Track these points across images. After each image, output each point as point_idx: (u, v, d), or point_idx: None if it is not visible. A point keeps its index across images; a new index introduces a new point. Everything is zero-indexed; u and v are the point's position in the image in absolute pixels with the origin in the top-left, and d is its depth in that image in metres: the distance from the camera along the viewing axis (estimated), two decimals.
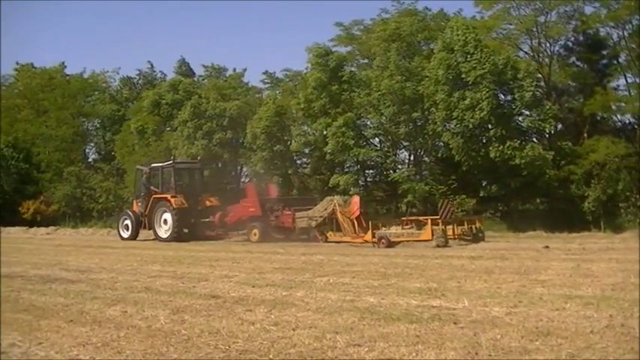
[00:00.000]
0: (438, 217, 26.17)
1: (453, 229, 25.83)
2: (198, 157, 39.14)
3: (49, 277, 16.94)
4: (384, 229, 26.63)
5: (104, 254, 24.59)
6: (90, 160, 59.13)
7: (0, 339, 9.64)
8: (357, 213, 27.90)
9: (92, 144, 61.14)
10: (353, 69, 40.14)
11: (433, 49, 34.75)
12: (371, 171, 38.79)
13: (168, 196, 33.51)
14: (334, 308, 11.14)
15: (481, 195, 33.05)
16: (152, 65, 60.79)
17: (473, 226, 26.82)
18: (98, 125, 59.94)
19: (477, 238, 26.11)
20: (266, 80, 48.74)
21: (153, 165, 36.11)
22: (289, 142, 39.02)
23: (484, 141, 32.01)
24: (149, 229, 34.53)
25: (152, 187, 34.79)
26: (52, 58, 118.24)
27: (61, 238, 38.15)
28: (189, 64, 54.50)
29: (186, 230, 33.60)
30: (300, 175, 40.99)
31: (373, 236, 25.75)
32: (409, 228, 26.41)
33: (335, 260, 19.82)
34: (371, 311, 10.75)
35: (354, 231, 27.51)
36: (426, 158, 37.29)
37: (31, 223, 48.89)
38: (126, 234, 35.26)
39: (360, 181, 37.30)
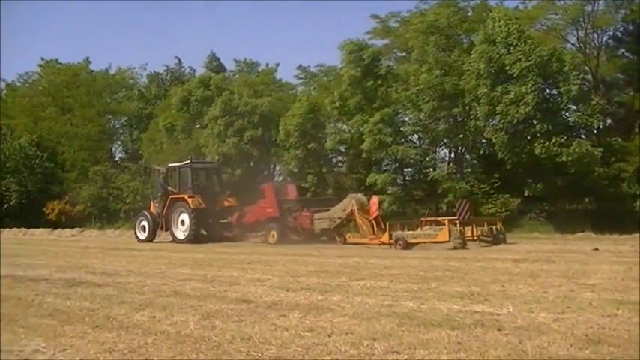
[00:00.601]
0: (455, 217, 26.50)
1: (472, 230, 26.10)
2: (217, 158, 39.89)
3: (75, 281, 17.00)
4: (407, 229, 27.12)
5: (131, 257, 24.72)
6: (116, 159, 59.74)
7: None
8: (376, 214, 28.23)
9: (118, 142, 61.80)
10: (390, 63, 40.03)
11: (473, 42, 34.54)
12: (409, 169, 38.69)
13: (186, 197, 33.99)
14: (372, 313, 11.07)
15: (525, 194, 32.77)
16: (180, 61, 61.27)
17: (493, 227, 26.88)
18: (125, 123, 60.55)
19: (497, 239, 26.16)
20: (300, 75, 48.92)
21: (169, 165, 36.73)
22: (324, 140, 39.03)
23: (529, 137, 31.74)
24: (166, 230, 35.07)
25: (169, 188, 35.30)
26: (78, 55, 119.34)
27: (87, 240, 38.49)
28: (220, 59, 54.69)
29: (204, 231, 34.15)
30: (336, 174, 40.97)
31: (390, 237, 26.19)
32: (427, 229, 26.73)
33: (372, 263, 19.74)
34: (410, 316, 10.67)
35: (372, 232, 27.80)
36: (467, 156, 37.14)
37: (56, 225, 49.41)
38: (143, 235, 35.77)
39: (397, 180, 37.25)
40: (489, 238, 26.03)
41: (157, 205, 35.77)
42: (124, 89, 61.98)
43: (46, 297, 14.32)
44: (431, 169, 36.46)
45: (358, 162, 38.65)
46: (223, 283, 15.62)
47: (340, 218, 29.19)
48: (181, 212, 34.14)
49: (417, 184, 37.95)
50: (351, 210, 28.71)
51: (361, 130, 36.44)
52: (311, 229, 30.24)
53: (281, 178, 44.04)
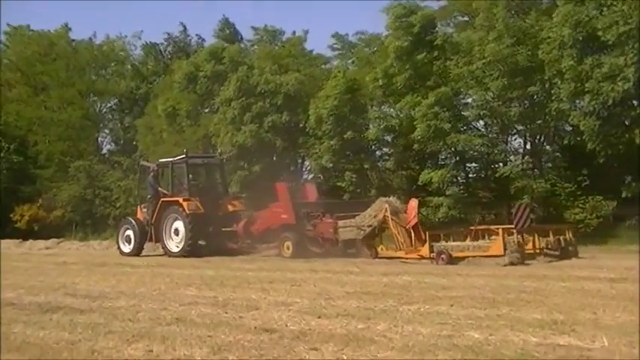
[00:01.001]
0: (512, 225, 26.61)
1: (534, 242, 26.13)
2: (219, 151, 40.12)
3: (50, 306, 17.09)
4: (453, 240, 27.26)
5: (123, 274, 24.88)
6: (104, 151, 60.21)
7: None
8: (415, 221, 28.27)
9: (107, 131, 62.26)
10: (448, 30, 39.96)
11: (555, 2, 34.29)
12: (474, 164, 38.62)
13: (180, 200, 34.24)
14: (426, 346, 11.04)
15: (623, 196, 32.47)
16: (185, 28, 61.53)
17: (561, 238, 26.86)
18: (115, 107, 60.86)
19: (566, 252, 26.25)
20: (335, 45, 48.97)
21: (161, 160, 37.03)
22: (365, 127, 39.01)
23: (627, 123, 31.46)
24: (156, 242, 35.49)
25: (160, 189, 35.62)
26: (54, 20, 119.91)
27: (67, 254, 38.75)
28: (235, 26, 54.69)
29: (203, 242, 34.44)
30: (381, 170, 40.96)
31: (431, 250, 26.40)
32: (477, 239, 26.86)
33: (426, 282, 19.71)
34: (475, 350, 10.63)
35: (410, 243, 28.02)
36: (548, 147, 36.96)
37: (27, 234, 49.60)
38: (127, 248, 36.18)
39: (458, 178, 37.17)
40: (556, 252, 26.11)
41: (145, 210, 36.14)
42: (113, 64, 62.33)
43: (13, 326, 14.39)
44: (500, 164, 36.28)
45: (408, 155, 38.63)
46: (239, 308, 15.66)
47: (370, 226, 29.33)
48: (175, 219, 34.42)
49: (482, 182, 37.89)
50: (384, 216, 28.85)
51: (412, 114, 36.37)
52: (334, 240, 30.47)
53: (311, 176, 44.12)
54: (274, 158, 44.79)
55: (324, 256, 29.79)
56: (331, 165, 39.38)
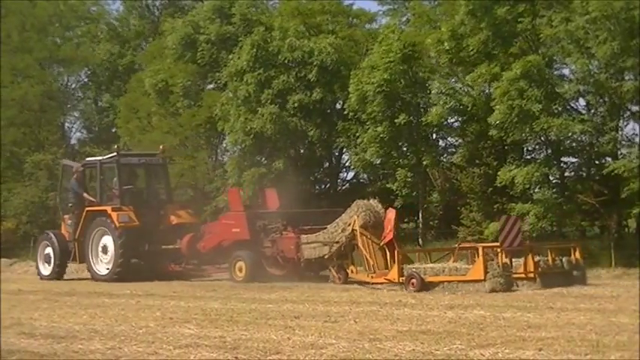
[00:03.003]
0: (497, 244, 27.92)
1: (526, 263, 27.17)
2: (161, 147, 40.03)
3: (1, 349, 17.22)
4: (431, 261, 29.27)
5: (98, 307, 25.02)
6: (73, 141, 60.30)
7: None
8: (390, 236, 29.44)
9: (76, 114, 62.29)
10: None
11: None
12: (572, 159, 38.52)
13: (109, 209, 35.00)
14: None
15: None
16: None
17: (563, 259, 28.25)
18: (87, 80, 60.88)
19: (569, 277, 27.71)
20: None
21: (87, 160, 38.52)
22: (425, 109, 38.99)
23: None
24: (81, 262, 36.53)
25: (86, 195, 36.38)
26: None
27: (22, 279, 38.98)
28: None
29: (138, 261, 35.68)
30: (445, 166, 40.91)
31: (400, 274, 27.87)
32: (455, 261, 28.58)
33: (505, 318, 19.76)
34: None
35: (384, 264, 29.38)
36: None
37: None
38: (46, 269, 37.35)
39: (551, 177, 37.00)
40: (558, 273, 27.62)
41: (69, 222, 36.93)
42: (83, 23, 62.38)
43: None
44: (609, 159, 36.15)
45: (483, 146, 38.52)
46: (253, 352, 15.75)
47: (337, 242, 30.38)
48: (103, 233, 35.34)
49: (584, 183, 37.61)
50: (352, 230, 29.96)
51: (489, 91, 36.33)
52: (296, 259, 31.58)
53: (351, 175, 44.19)
54: (302, 151, 44.77)
55: (283, 279, 31.23)
56: (378, 160, 39.36)
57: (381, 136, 38.69)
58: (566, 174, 38.50)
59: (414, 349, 15.53)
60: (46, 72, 59.34)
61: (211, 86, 47.43)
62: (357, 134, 40.28)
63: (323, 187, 46.49)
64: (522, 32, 36.74)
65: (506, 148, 37.65)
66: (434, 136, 40.75)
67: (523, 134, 35.77)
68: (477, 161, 39.35)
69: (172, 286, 32.64)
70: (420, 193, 39.45)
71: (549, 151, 37.34)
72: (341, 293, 27.60)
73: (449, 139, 41.53)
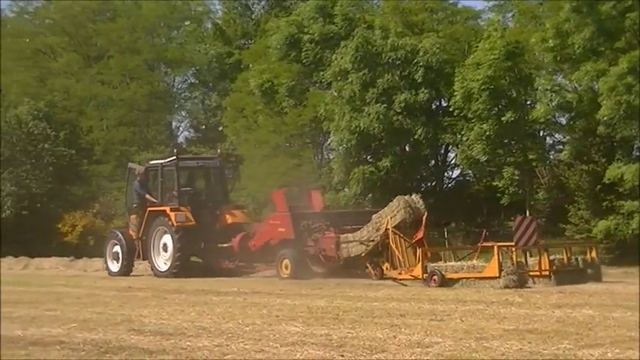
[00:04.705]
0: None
1: (540, 261, 28.55)
2: (219, 151, 42.89)
3: (109, 345, 17.34)
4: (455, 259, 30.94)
5: (205, 305, 25.23)
6: (180, 141, 60.49)
7: None
8: (421, 235, 31.10)
9: (183, 113, 62.47)
10: None
11: None
12: None
13: (167, 209, 36.43)
14: None
15: None
16: None
17: (578, 258, 29.31)
18: (194, 80, 60.91)
19: (584, 275, 28.32)
20: None
21: (150, 163, 39.78)
22: (531, 106, 38.74)
23: None
24: (144, 259, 38.15)
25: (148, 196, 37.73)
26: None
27: (131, 277, 39.18)
28: None
29: (197, 259, 37.41)
30: (552, 163, 40.65)
31: (424, 271, 29.37)
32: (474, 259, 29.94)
33: (614, 318, 19.59)
34: None
35: (415, 262, 30.46)
36: None
37: (80, 251, 49.72)
38: (115, 266, 39.03)
39: None
40: (573, 271, 28.38)
41: (134, 221, 38.23)
42: (188, 22, 62.41)
43: None
44: None
45: (590, 143, 38.19)
46: (359, 350, 15.76)
47: (372, 241, 31.56)
48: (163, 232, 36.80)
49: None
50: (385, 229, 31.19)
51: (596, 87, 36.02)
52: (336, 257, 32.69)
53: (457, 172, 44.00)
54: (407, 149, 44.67)
55: (323, 276, 32.54)
56: (485, 157, 39.19)
57: (487, 133, 38.57)
58: None
59: (521, 349, 15.47)
60: (154, 73, 59.57)
61: (316, 86, 47.43)
62: (463, 131, 40.15)
63: (429, 185, 46.31)
64: (630, 27, 36.34)
65: (614, 144, 37.30)
66: (541, 133, 40.47)
67: (632, 131, 35.45)
68: (585, 158, 39.09)
69: (259, 283, 33.07)
70: (527, 190, 39.20)
71: None
72: (446, 292, 27.56)
73: (556, 135, 41.28)
